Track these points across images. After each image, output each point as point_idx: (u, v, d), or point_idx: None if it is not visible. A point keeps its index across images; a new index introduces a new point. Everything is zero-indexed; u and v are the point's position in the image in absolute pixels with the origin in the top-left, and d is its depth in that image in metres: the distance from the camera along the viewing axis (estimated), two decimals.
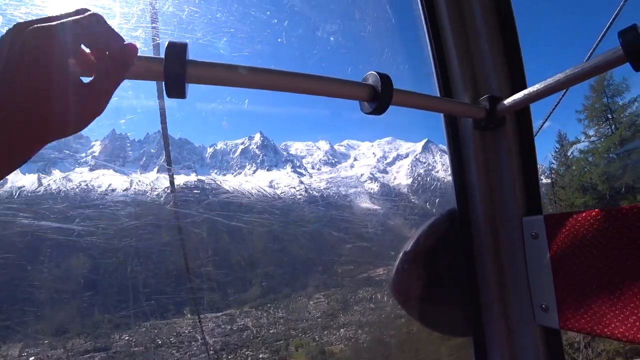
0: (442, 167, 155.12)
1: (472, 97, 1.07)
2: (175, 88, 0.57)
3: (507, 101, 0.95)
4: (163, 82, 0.55)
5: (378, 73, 0.75)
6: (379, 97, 0.74)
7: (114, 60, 0.47)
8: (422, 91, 0.89)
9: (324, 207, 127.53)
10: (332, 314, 71.03)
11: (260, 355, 58.79)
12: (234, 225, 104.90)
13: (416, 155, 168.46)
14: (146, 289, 71.88)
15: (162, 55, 0.55)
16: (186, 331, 63.29)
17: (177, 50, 0.55)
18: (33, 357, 52.56)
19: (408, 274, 1.06)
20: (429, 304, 1.08)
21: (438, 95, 1.11)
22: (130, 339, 59.60)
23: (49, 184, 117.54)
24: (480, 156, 1.10)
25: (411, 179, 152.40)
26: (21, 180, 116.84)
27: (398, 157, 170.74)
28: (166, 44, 0.55)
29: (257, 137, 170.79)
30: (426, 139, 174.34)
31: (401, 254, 1.07)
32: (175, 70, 0.55)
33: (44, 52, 0.40)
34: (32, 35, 0.39)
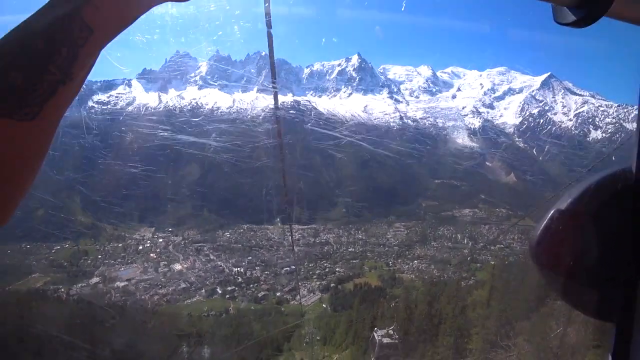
0: (562, 108, 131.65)
1: None
2: None
3: None
4: None
5: None
6: (593, 1, 0.52)
7: None
8: None
9: (418, 138, 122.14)
10: (409, 244, 72.51)
11: (337, 269, 64.07)
12: (325, 147, 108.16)
13: (532, 91, 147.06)
14: (246, 197, 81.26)
15: None
16: (276, 237, 71.55)
17: None
18: (161, 240, 67.86)
19: (559, 237, 0.89)
20: (576, 276, 0.90)
21: None
22: (231, 236, 69.90)
23: (167, 101, 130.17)
24: None
25: (520, 119, 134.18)
26: (145, 97, 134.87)
27: (510, 92, 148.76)
28: None
29: (355, 59, 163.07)
30: (548, 73, 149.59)
31: (553, 211, 0.89)
32: None
33: None
34: None
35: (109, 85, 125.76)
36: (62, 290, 44.76)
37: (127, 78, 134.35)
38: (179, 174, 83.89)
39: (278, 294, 54.46)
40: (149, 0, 0.44)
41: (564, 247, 0.91)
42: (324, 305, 52.56)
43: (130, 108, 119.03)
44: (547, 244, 0.90)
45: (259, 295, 53.63)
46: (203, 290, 53.20)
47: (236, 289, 54.53)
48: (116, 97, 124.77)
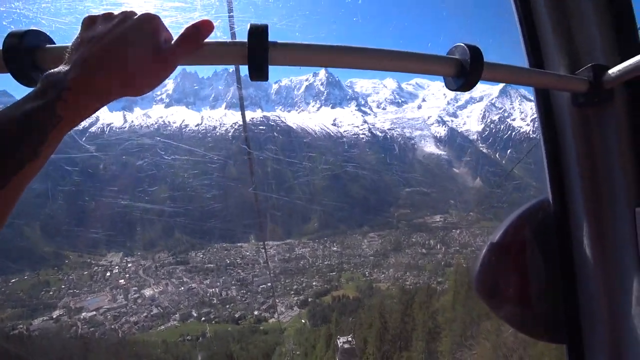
0: (519, 114, 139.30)
1: (571, 67, 0.90)
2: (258, 71, 0.58)
3: (615, 70, 0.80)
4: (247, 66, 0.59)
5: (466, 45, 0.68)
6: (467, 73, 0.68)
7: (187, 33, 0.58)
8: (508, 62, 0.76)
9: (386, 149, 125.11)
10: (384, 254, 73.42)
11: (314, 283, 63.83)
12: (295, 161, 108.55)
13: (492, 99, 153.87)
14: (217, 215, 80.00)
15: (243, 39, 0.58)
16: (250, 255, 70.56)
17: (259, 32, 0.57)
18: (131, 265, 64.55)
19: (495, 268, 0.96)
20: (518, 303, 0.97)
21: (527, 66, 0.94)
22: (204, 257, 68.22)
23: (132, 121, 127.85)
24: (580, 137, 0.93)
25: (482, 125, 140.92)
26: (109, 117, 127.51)
27: (471, 100, 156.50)
28: (248, 26, 0.57)
29: (322, 74, 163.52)
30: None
31: (487, 244, 0.96)
32: (258, 53, 0.57)
33: (149, 24, 0.55)
34: (145, 16, 0.56)
35: None
36: (22, 326, 41.92)
37: None
38: (148, 194, 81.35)
39: (256, 312, 53.60)
40: (110, 97, 0.52)
41: (501, 277, 0.97)
42: (303, 321, 52.06)
43: (93, 129, 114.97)
44: (485, 276, 0.96)
45: (236, 315, 52.53)
46: (177, 315, 51.37)
47: (212, 310, 53.17)
48: None
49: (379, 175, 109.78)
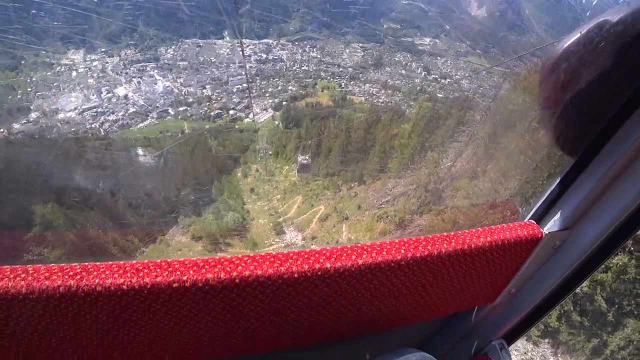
0: None
1: None
2: None
3: None
4: None
5: None
6: None
7: None
8: None
9: None
10: (364, 67, 72.84)
11: (290, 87, 64.95)
12: None
13: None
14: (190, 13, 70.48)
15: None
16: (225, 53, 67.48)
17: None
18: (96, 62, 59.20)
19: (577, 61, 0.72)
20: (569, 101, 0.77)
21: None
22: (175, 54, 64.29)
23: None
24: None
25: None
26: None
27: None
28: None
29: None
30: None
31: (591, 25, 0.69)
32: None
33: None
34: None
35: None
36: (3, 130, 42.05)
37: None
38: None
39: (231, 112, 55.96)
40: None
41: (576, 72, 0.75)
42: (276, 122, 55.61)
43: None
44: (561, 63, 0.76)
45: (212, 114, 54.82)
46: (154, 113, 52.73)
47: (188, 109, 54.79)
48: None
49: None
